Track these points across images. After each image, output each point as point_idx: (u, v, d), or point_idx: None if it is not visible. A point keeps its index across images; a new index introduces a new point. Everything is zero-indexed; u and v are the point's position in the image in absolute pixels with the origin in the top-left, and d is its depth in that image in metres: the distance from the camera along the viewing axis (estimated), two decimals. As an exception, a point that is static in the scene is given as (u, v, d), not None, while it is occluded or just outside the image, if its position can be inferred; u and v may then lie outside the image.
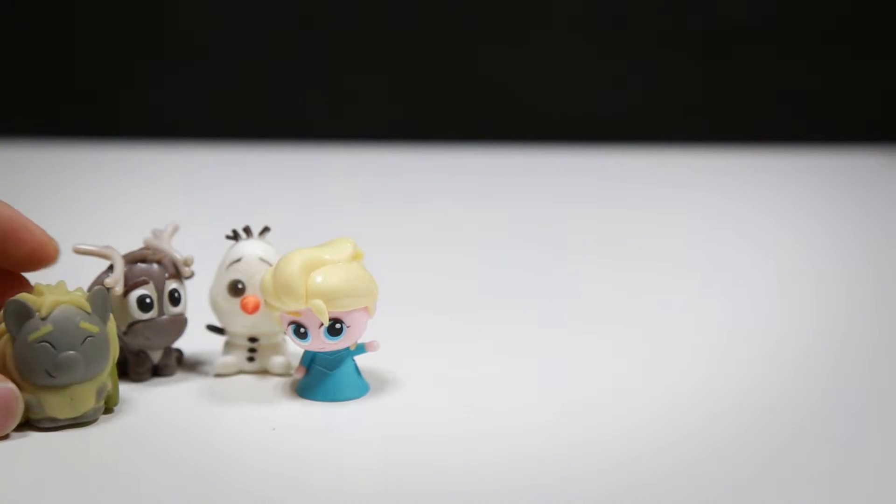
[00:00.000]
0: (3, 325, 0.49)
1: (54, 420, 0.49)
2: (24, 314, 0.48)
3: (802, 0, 1.40)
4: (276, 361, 0.57)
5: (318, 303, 0.51)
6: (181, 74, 1.48)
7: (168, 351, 0.58)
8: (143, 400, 0.54)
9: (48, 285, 0.50)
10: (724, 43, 1.42)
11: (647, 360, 0.61)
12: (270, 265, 0.54)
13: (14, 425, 0.48)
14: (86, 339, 0.49)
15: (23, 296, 0.49)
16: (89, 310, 0.50)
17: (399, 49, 1.46)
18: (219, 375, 0.58)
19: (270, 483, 0.45)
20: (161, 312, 0.56)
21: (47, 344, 0.48)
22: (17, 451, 0.48)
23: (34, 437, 0.49)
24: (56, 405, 0.49)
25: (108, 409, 0.52)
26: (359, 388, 0.55)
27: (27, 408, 0.49)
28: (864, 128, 1.39)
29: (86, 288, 0.52)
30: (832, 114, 1.41)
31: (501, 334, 0.66)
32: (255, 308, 0.55)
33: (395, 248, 0.85)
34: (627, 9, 1.44)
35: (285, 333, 0.54)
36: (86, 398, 0.50)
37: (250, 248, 0.57)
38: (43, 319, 0.48)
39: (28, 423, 0.50)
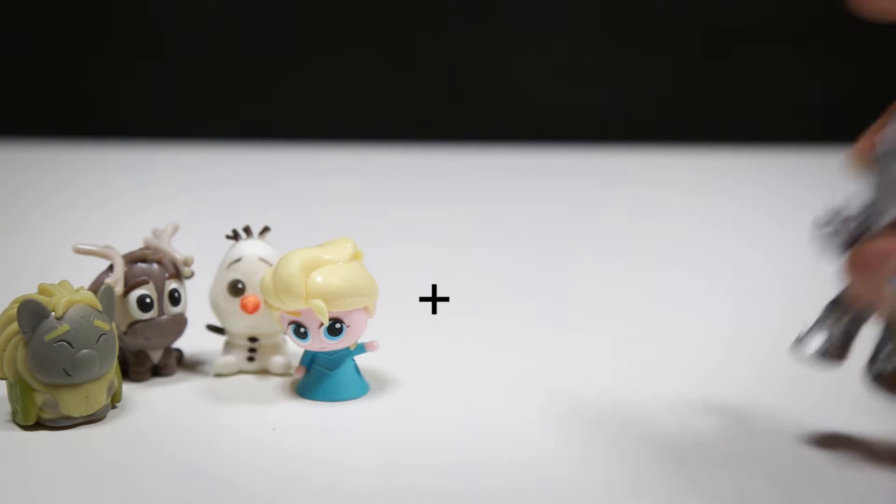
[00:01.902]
0: (7, 329, 0.49)
1: (70, 419, 0.50)
2: (39, 314, 0.48)
3: (802, 1, 1.40)
4: (276, 361, 0.57)
5: (318, 303, 0.51)
6: (181, 74, 1.48)
7: (168, 351, 0.58)
8: (143, 400, 0.54)
9: (54, 285, 0.50)
10: (724, 43, 1.42)
11: (647, 360, 0.61)
12: (270, 265, 0.54)
13: None
14: (100, 336, 0.49)
15: (36, 296, 0.49)
16: (100, 308, 0.50)
17: (399, 49, 1.46)
18: (219, 375, 0.58)
19: (270, 483, 0.45)
20: (161, 312, 0.56)
21: (65, 343, 0.48)
22: (18, 450, 0.48)
23: (35, 436, 0.49)
24: (72, 404, 0.49)
25: (112, 405, 0.52)
26: (359, 388, 0.55)
27: (40, 409, 0.49)
28: (864, 128, 1.39)
29: (85, 288, 0.52)
30: (832, 114, 1.41)
31: (502, 334, 0.66)
32: (255, 308, 0.55)
33: (396, 248, 0.85)
34: (628, 9, 1.44)
35: (285, 333, 0.54)
36: (99, 395, 0.50)
37: (250, 248, 0.57)
38: (59, 319, 0.48)
39: (39, 424, 0.50)
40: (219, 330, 0.59)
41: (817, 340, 0.48)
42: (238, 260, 0.57)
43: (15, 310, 0.49)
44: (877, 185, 0.45)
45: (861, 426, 0.51)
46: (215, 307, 0.58)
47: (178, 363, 0.58)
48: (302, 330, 0.52)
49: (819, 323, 0.48)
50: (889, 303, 0.42)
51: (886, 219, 0.45)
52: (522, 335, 0.66)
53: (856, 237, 0.46)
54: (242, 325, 0.57)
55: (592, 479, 0.45)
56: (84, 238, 0.57)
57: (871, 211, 0.45)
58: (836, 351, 0.48)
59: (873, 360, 0.47)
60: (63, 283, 0.50)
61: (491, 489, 0.44)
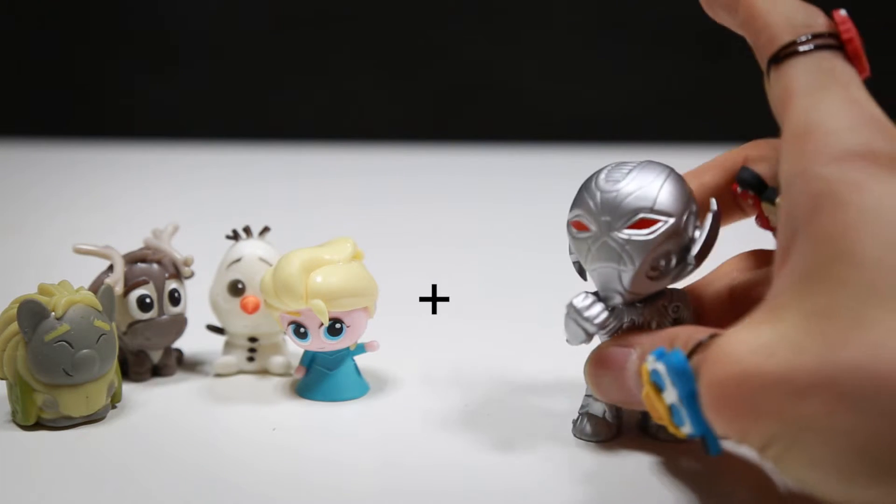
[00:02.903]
0: (7, 329, 0.49)
1: (70, 419, 0.50)
2: (39, 314, 0.48)
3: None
4: (276, 361, 0.57)
5: (318, 303, 0.51)
6: (181, 74, 1.48)
7: (168, 351, 0.58)
8: (143, 400, 0.54)
9: (54, 285, 0.50)
10: (724, 42, 1.42)
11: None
12: (270, 265, 0.54)
13: None
14: (100, 337, 0.49)
15: (36, 296, 0.49)
16: (100, 308, 0.50)
17: (399, 49, 1.47)
18: (219, 375, 0.58)
19: (270, 482, 0.45)
20: (161, 312, 0.56)
21: (65, 343, 0.48)
22: (19, 449, 0.48)
23: (35, 436, 0.49)
24: (72, 404, 0.49)
25: (112, 405, 0.52)
26: (359, 388, 0.55)
27: (40, 409, 0.49)
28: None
29: (85, 288, 0.52)
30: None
31: (501, 334, 0.66)
32: (255, 308, 0.55)
33: (396, 248, 0.85)
34: (627, 9, 1.44)
35: (285, 333, 0.54)
36: (99, 395, 0.50)
37: (250, 248, 0.57)
38: (58, 319, 0.48)
39: (39, 424, 0.50)
40: (219, 330, 0.59)
41: (591, 419, 0.49)
42: (238, 260, 0.57)
43: (15, 310, 0.49)
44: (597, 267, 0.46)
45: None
46: (215, 307, 0.58)
47: (178, 363, 0.58)
48: (302, 330, 0.52)
49: (588, 402, 0.49)
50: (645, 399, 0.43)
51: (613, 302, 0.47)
52: (522, 335, 0.66)
53: (608, 326, 0.48)
54: (242, 325, 0.57)
55: (592, 479, 0.45)
56: (84, 238, 0.57)
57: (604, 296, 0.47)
58: (609, 427, 0.49)
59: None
60: (63, 283, 0.50)
61: (490, 489, 0.44)
